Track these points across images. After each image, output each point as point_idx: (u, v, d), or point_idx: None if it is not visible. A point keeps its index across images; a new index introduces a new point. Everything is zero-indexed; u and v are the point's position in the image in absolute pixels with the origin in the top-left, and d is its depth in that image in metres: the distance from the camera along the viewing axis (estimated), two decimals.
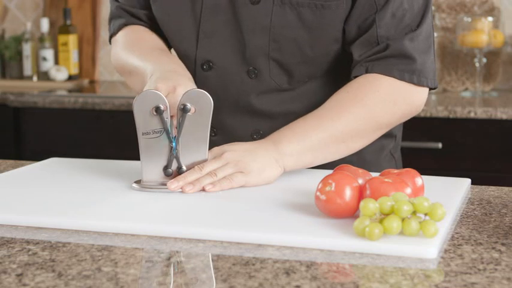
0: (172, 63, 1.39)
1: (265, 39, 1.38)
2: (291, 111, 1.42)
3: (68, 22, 3.40)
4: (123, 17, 1.54)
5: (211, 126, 1.44)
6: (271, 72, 1.41)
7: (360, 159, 1.45)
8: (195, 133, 1.25)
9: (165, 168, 1.25)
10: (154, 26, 1.53)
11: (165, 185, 1.23)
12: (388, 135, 1.51)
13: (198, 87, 1.40)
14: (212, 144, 1.44)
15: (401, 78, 1.35)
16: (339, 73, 1.44)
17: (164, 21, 1.46)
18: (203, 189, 1.22)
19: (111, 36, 1.57)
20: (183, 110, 1.24)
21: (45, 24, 3.41)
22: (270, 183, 1.27)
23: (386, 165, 1.52)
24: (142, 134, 1.25)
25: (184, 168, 1.25)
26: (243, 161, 1.25)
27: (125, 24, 1.54)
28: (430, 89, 1.41)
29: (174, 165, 1.26)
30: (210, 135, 1.44)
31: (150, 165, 1.25)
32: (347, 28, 1.38)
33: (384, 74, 1.35)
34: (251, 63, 1.41)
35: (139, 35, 1.52)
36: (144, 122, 1.24)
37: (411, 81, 1.36)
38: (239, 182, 1.23)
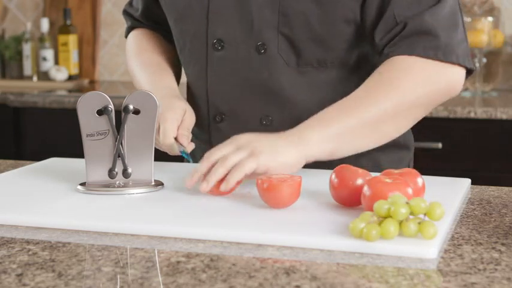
0: (165, 86, 1.44)
1: (274, 12, 1.36)
2: (300, 101, 1.39)
3: (68, 22, 3.40)
4: (128, 20, 1.63)
5: (220, 112, 1.43)
6: (280, 47, 1.38)
7: (380, 171, 1.44)
8: (141, 134, 1.24)
9: (110, 170, 1.25)
10: (155, 26, 1.60)
11: (109, 187, 1.23)
12: (405, 147, 1.49)
13: (211, 70, 1.42)
14: (218, 131, 1.44)
15: (425, 55, 1.29)
16: (351, 68, 1.41)
17: (171, 3, 1.46)
18: (218, 192, 1.18)
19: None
20: (126, 110, 1.24)
21: (45, 24, 3.41)
22: (292, 171, 1.19)
23: None
24: (87, 136, 1.24)
25: (129, 170, 1.25)
26: (257, 141, 1.19)
27: (131, 27, 1.63)
28: (468, 71, 1.34)
29: (120, 167, 1.25)
30: (216, 120, 1.44)
31: (95, 167, 1.25)
32: (366, 11, 1.34)
33: (407, 55, 1.29)
34: (259, 38, 1.38)
35: (142, 43, 1.58)
36: (88, 123, 1.24)
37: (437, 58, 1.29)
38: (251, 167, 1.16)
